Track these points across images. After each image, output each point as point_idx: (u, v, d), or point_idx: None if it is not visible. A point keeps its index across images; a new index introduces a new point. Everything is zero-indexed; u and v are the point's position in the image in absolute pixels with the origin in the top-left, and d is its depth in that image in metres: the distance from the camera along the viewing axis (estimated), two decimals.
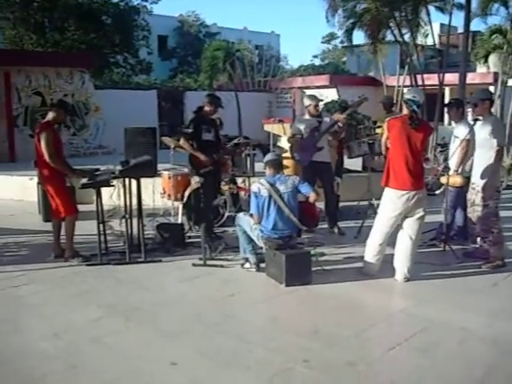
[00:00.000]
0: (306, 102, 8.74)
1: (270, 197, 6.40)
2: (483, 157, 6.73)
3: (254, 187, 6.59)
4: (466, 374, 4.17)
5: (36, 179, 9.59)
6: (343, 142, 9.63)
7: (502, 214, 7.09)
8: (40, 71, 17.94)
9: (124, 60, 28.56)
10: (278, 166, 6.70)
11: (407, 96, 6.26)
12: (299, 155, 8.59)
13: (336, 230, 8.64)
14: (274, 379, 4.09)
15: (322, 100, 9.20)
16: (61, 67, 18.48)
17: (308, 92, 23.81)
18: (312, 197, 6.64)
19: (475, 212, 6.85)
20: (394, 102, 12.56)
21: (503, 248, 6.97)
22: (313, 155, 8.44)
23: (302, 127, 8.54)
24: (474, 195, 6.84)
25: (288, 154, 8.98)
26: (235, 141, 10.25)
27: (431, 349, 4.58)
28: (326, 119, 8.81)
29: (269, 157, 6.77)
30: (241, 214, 6.96)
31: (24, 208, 10.85)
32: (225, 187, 8.92)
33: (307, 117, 8.70)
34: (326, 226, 8.78)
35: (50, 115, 7.15)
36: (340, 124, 8.68)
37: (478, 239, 7.20)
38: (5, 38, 25.75)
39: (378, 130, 10.36)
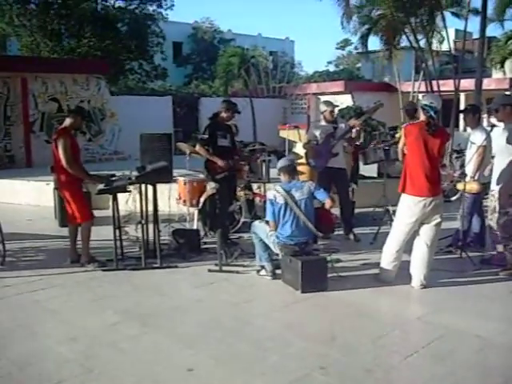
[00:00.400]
0: (322, 107, 8.74)
1: (286, 204, 6.38)
2: (502, 163, 6.67)
3: (270, 194, 6.57)
4: (483, 383, 4.14)
5: (52, 184, 9.67)
6: (359, 148, 9.62)
7: None
8: (56, 77, 18.11)
9: (139, 66, 28.73)
10: (292, 171, 6.69)
11: (424, 102, 6.23)
12: (314, 161, 8.58)
13: (352, 236, 8.61)
14: None
15: (337, 106, 9.18)
16: (77, 73, 18.66)
17: (323, 98, 23.84)
18: (328, 203, 6.62)
19: (495, 219, 6.79)
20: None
21: None
22: (328, 161, 8.43)
23: (317, 133, 8.53)
24: (494, 202, 6.79)
25: (303, 160, 8.98)
26: (251, 147, 10.27)
27: (448, 357, 4.55)
28: (342, 125, 8.80)
29: (282, 163, 6.75)
30: (256, 222, 6.96)
31: (40, 213, 10.94)
32: (240, 193, 8.93)
33: (323, 123, 8.70)
34: (341, 232, 8.76)
35: (68, 121, 7.20)
36: (355, 129, 8.67)
37: (499, 246, 7.10)
38: (22, 45, 26.00)
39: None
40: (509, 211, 6.62)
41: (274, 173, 8.76)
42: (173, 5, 29.03)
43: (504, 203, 6.64)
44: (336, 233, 8.68)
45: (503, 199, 6.66)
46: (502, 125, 6.98)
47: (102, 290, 6.32)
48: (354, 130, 8.62)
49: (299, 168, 8.78)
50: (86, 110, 15.70)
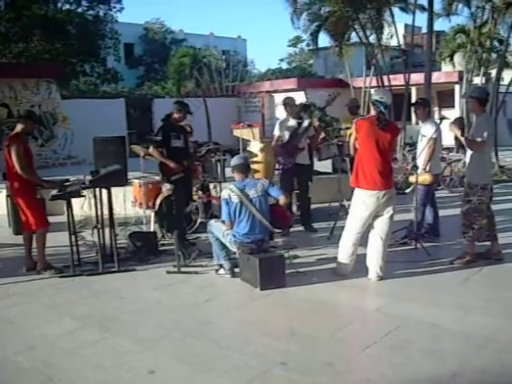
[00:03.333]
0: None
1: (241, 203, 6.40)
2: (469, 154, 6.83)
3: (224, 194, 6.58)
4: (440, 369, 4.23)
5: (5, 192, 9.50)
6: (312, 144, 9.70)
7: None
8: (5, 82, 17.75)
9: (91, 69, 28.39)
10: (245, 169, 6.71)
11: (375, 97, 6.34)
12: (283, 158, 8.66)
13: (312, 230, 8.76)
14: (252, 383, 4.11)
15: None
16: (27, 78, 18.31)
17: (276, 96, 23.96)
18: (282, 199, 6.67)
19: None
20: (360, 104, 12.67)
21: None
22: (296, 157, 8.55)
23: (284, 131, 8.67)
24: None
25: (258, 158, 9.04)
26: (205, 147, 10.27)
27: (406, 346, 4.64)
28: (305, 122, 8.90)
29: (235, 161, 6.76)
30: (212, 221, 6.97)
31: None
32: (196, 194, 8.92)
33: (290, 121, 8.82)
34: (299, 228, 8.85)
35: (19, 127, 7.09)
36: (315, 125, 8.82)
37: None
38: None
39: (343, 132, 10.45)
40: (471, 199, 6.76)
41: (229, 172, 8.78)
42: (122, 8, 28.80)
43: (468, 192, 6.79)
44: (293, 229, 8.75)
45: (467, 188, 6.81)
46: (452, 118, 7.15)
47: (59, 297, 6.24)
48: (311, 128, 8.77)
49: (254, 166, 8.85)
50: (37, 114, 15.42)
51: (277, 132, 8.88)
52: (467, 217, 6.85)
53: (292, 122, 8.78)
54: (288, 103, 9.00)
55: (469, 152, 6.86)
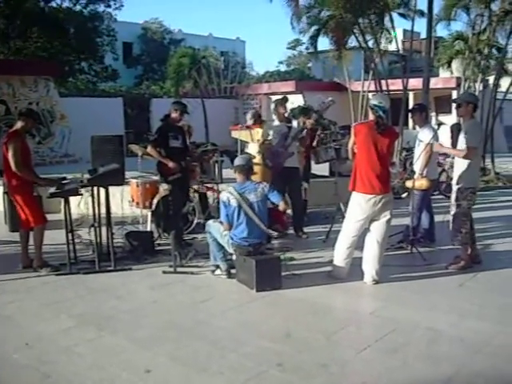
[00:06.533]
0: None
1: (240, 206, 6.42)
2: (459, 158, 6.85)
3: (223, 196, 6.59)
4: (435, 373, 4.26)
5: (1, 189, 9.49)
6: (310, 147, 9.74)
7: (474, 215, 7.19)
8: (3, 79, 17.77)
9: (89, 67, 28.37)
10: (247, 171, 6.70)
11: (373, 102, 6.36)
12: (271, 161, 8.66)
13: (302, 234, 8.76)
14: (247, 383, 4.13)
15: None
16: (25, 75, 18.32)
17: (274, 98, 23.95)
18: (282, 206, 6.70)
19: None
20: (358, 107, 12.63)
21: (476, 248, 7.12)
22: (284, 161, 8.54)
23: (272, 134, 8.67)
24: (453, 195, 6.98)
25: (256, 161, 9.04)
26: (203, 147, 10.28)
27: (401, 349, 4.67)
28: (295, 125, 8.92)
29: (238, 161, 6.76)
30: (210, 222, 6.98)
31: None
32: (194, 188, 8.95)
33: (276, 122, 8.82)
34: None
35: (19, 124, 7.09)
36: (307, 127, 8.82)
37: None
38: None
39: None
40: (461, 204, 6.79)
41: (226, 173, 8.81)
42: (122, 5, 28.80)
43: (459, 196, 6.82)
44: (289, 232, 8.78)
45: (458, 192, 6.84)
46: (449, 123, 7.17)
47: (55, 295, 6.24)
48: (306, 128, 8.78)
49: None
50: (36, 112, 15.42)
51: (263, 136, 8.90)
52: (456, 221, 6.88)
53: (279, 124, 8.79)
54: (282, 104, 8.99)
55: (458, 156, 6.89)
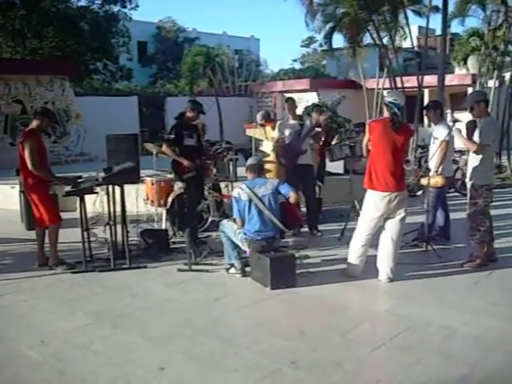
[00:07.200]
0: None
1: (250, 200, 6.46)
2: (473, 156, 6.80)
3: (235, 192, 6.70)
4: (449, 371, 4.24)
5: (18, 187, 9.58)
6: (325, 145, 9.73)
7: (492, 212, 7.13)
8: (20, 79, 17.87)
9: (104, 67, 28.49)
10: (258, 170, 6.78)
11: (388, 99, 6.33)
12: (284, 159, 8.67)
13: (317, 233, 8.74)
14: (262, 381, 4.13)
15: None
16: (41, 75, 18.42)
17: (288, 96, 23.87)
18: (292, 197, 6.67)
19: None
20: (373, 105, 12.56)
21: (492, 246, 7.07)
22: (297, 159, 8.54)
23: (286, 131, 8.67)
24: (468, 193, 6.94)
25: (270, 158, 9.05)
26: (218, 146, 10.30)
27: (415, 347, 4.65)
28: (307, 122, 8.92)
29: (249, 161, 6.88)
30: (224, 221, 7.01)
31: (6, 217, 10.81)
32: (207, 193, 8.96)
33: (291, 121, 8.83)
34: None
35: (34, 123, 7.14)
36: (321, 123, 8.84)
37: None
38: None
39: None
40: (477, 202, 6.75)
41: (241, 171, 8.82)
42: (137, 5, 28.86)
43: (474, 194, 6.79)
44: (303, 229, 8.77)
45: (473, 190, 6.80)
46: (465, 120, 7.11)
47: (71, 293, 6.29)
48: (318, 129, 8.79)
49: (266, 166, 8.85)
50: (52, 111, 15.52)
51: (276, 134, 8.91)
52: (474, 219, 6.84)
53: (293, 122, 8.80)
54: (289, 102, 8.99)
55: (472, 154, 6.84)
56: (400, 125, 6.25)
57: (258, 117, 9.73)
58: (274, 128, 9.15)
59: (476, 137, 6.73)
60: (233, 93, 22.70)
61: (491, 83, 19.71)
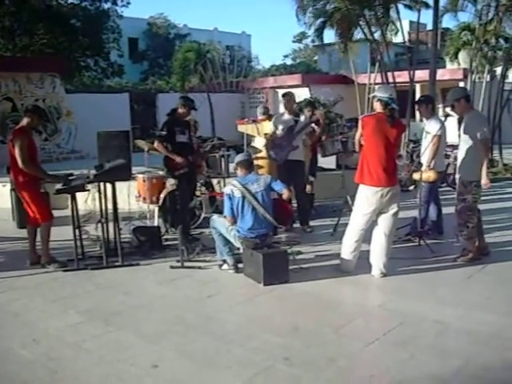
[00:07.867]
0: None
1: (244, 197, 6.43)
2: (462, 152, 6.80)
3: (227, 189, 6.64)
4: (443, 366, 4.23)
5: (9, 185, 9.51)
6: (317, 140, 9.71)
7: (482, 206, 7.13)
8: (10, 76, 17.79)
9: (95, 63, 28.38)
10: (248, 166, 6.76)
11: (384, 95, 6.22)
12: (275, 154, 8.64)
13: (307, 229, 8.72)
14: (255, 378, 4.12)
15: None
16: (31, 72, 18.35)
17: (280, 92, 23.89)
18: (285, 194, 6.69)
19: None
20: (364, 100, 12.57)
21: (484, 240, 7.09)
22: (288, 154, 8.52)
23: (280, 126, 8.64)
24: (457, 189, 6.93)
25: (262, 154, 9.03)
26: (209, 142, 10.27)
27: (409, 342, 4.65)
28: (302, 118, 8.89)
29: (239, 157, 6.83)
30: (215, 217, 6.98)
31: None
32: (201, 189, 8.93)
33: (286, 116, 8.80)
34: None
35: (25, 120, 7.09)
36: (318, 119, 8.84)
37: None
38: None
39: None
40: (466, 198, 6.75)
41: (233, 168, 8.79)
42: (128, 2, 28.73)
43: (462, 190, 6.78)
44: (296, 225, 8.76)
45: (461, 186, 6.80)
46: (456, 115, 7.11)
47: (63, 291, 6.26)
48: (314, 126, 8.79)
49: (258, 162, 8.86)
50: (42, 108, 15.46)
51: (271, 128, 8.89)
52: (462, 215, 6.84)
53: (287, 117, 8.76)
54: (286, 97, 8.96)
55: (461, 150, 6.83)
56: (394, 119, 6.24)
57: (259, 110, 9.74)
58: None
59: (461, 133, 6.73)
60: (224, 89, 22.68)
61: (483, 78, 19.75)
